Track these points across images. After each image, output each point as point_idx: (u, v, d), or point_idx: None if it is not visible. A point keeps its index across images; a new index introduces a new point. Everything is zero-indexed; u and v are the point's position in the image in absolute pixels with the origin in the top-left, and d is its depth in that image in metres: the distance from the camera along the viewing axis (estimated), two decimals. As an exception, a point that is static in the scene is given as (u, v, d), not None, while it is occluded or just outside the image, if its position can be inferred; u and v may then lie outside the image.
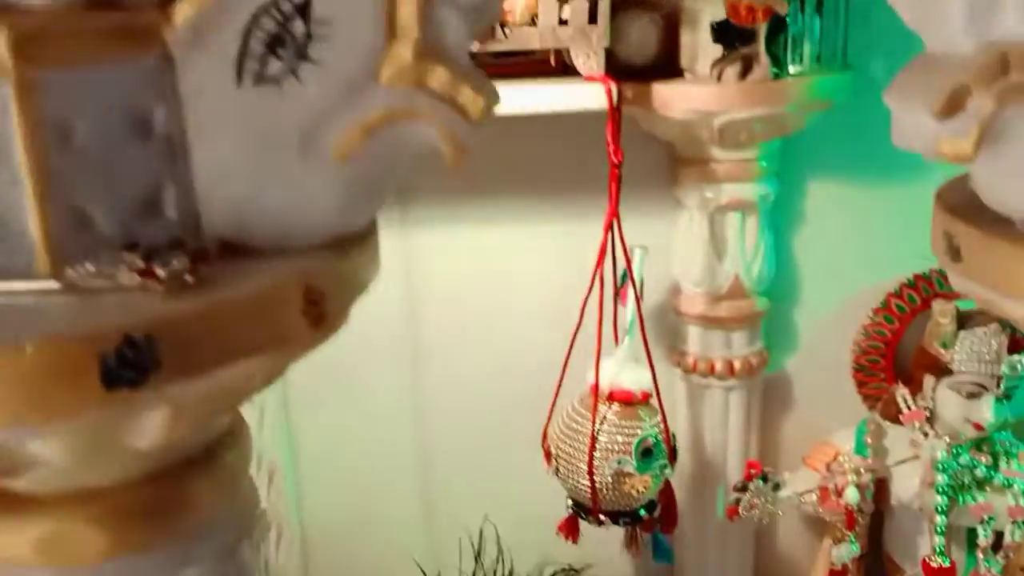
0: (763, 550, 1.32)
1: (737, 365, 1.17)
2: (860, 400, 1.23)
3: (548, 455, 1.04)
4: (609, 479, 0.99)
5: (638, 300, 1.03)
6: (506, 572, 1.20)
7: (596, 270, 0.98)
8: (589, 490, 1.00)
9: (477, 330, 1.21)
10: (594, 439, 0.99)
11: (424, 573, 1.20)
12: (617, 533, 1.09)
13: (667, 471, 1.02)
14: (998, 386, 1.09)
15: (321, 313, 0.37)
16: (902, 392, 1.18)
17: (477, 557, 1.19)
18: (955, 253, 0.45)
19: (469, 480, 1.27)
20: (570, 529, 1.09)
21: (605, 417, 1.00)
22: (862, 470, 1.14)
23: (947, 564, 1.12)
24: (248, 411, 1.04)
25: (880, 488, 1.19)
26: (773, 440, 1.28)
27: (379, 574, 1.30)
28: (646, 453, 0.99)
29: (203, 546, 0.44)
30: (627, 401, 1.01)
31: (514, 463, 1.20)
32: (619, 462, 0.98)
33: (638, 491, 0.99)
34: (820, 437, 1.22)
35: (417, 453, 1.26)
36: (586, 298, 0.99)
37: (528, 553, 1.19)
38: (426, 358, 1.21)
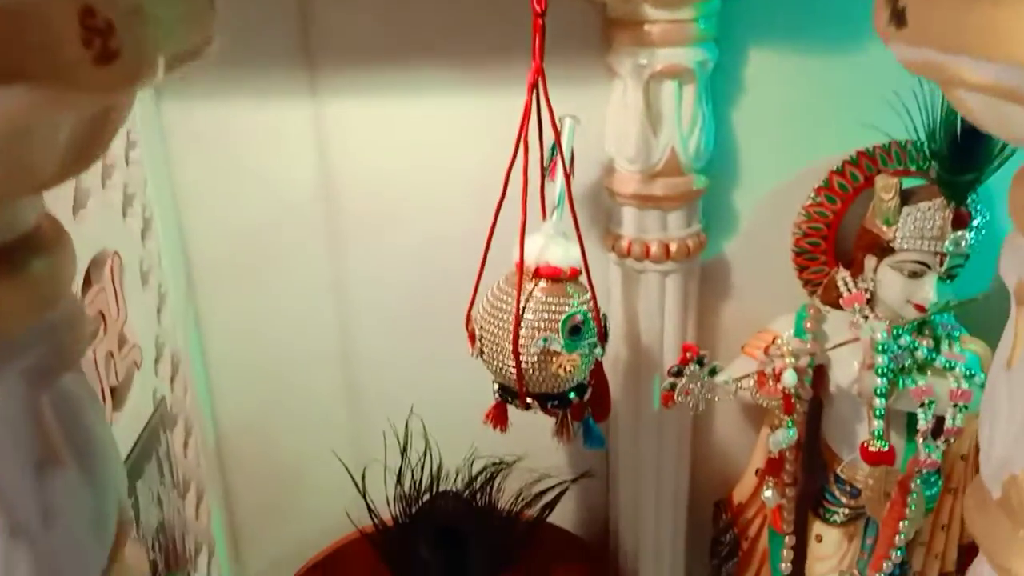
0: (700, 441, 1.29)
1: (673, 248, 1.11)
2: (800, 285, 1.18)
3: (472, 337, 0.98)
4: (535, 358, 0.93)
5: (567, 173, 0.96)
6: (434, 467, 1.15)
7: (520, 133, 0.90)
8: (515, 371, 0.94)
9: (398, 208, 1.13)
10: (519, 317, 0.92)
11: (347, 469, 1.14)
12: (548, 424, 1.04)
13: (597, 351, 0.97)
14: (941, 265, 1.05)
15: (108, 48, 0.29)
16: (843, 275, 1.14)
17: (403, 452, 1.14)
18: (899, 17, 0.38)
19: (393, 370, 1.21)
20: (498, 417, 1.03)
21: (531, 294, 0.94)
22: (801, 354, 1.10)
23: (886, 448, 1.10)
24: (146, 295, 0.96)
25: (819, 375, 1.16)
26: (711, 328, 1.23)
27: (300, 471, 1.24)
28: (574, 331, 0.93)
29: (3, 366, 0.36)
30: (554, 277, 0.94)
31: (440, 351, 1.14)
32: (545, 340, 0.92)
33: (566, 371, 0.93)
34: (760, 325, 1.18)
35: (337, 342, 1.19)
36: (510, 166, 0.91)
37: (456, 447, 1.14)
38: (343, 239, 1.13)
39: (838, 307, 1.15)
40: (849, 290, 1.13)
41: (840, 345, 1.11)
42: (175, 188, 1.08)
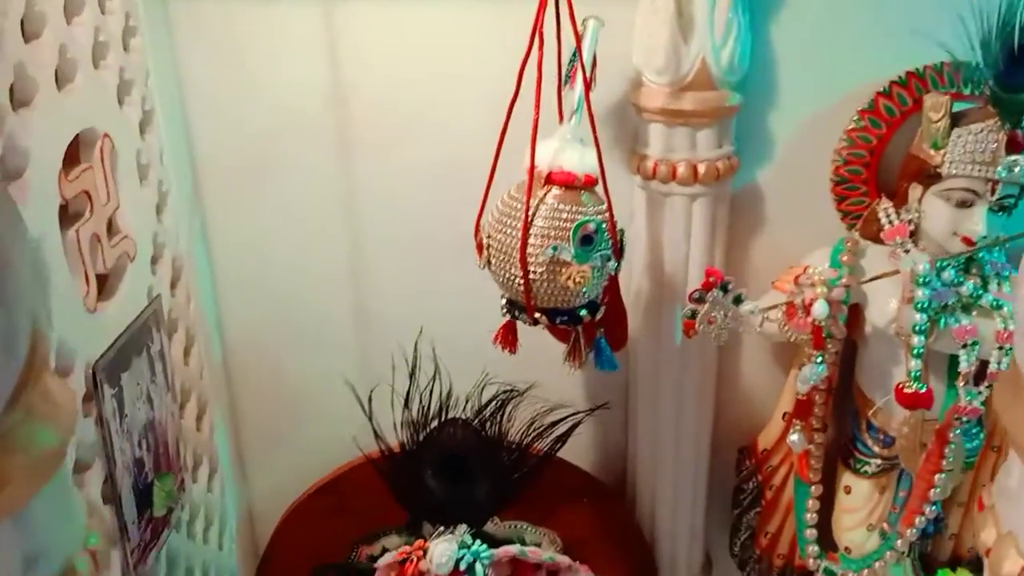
0: (725, 383, 1.22)
1: (702, 169, 1.05)
2: (839, 218, 1.11)
3: (480, 247, 0.93)
4: (544, 268, 0.87)
5: (586, 79, 0.90)
6: (443, 393, 1.10)
7: (536, 23, 0.85)
8: (522, 282, 0.89)
9: (412, 117, 1.08)
10: (528, 223, 0.87)
11: (355, 392, 1.10)
12: (561, 352, 0.99)
13: (611, 265, 0.91)
14: (992, 193, 0.97)
15: None
16: (885, 206, 1.06)
17: (412, 375, 1.09)
18: None
19: (403, 291, 1.17)
20: (506, 337, 0.99)
21: (543, 200, 0.88)
22: (834, 285, 1.03)
23: (922, 390, 1.02)
24: (145, 190, 0.92)
25: (854, 316, 1.09)
26: (740, 263, 1.16)
27: (307, 392, 1.21)
28: (585, 240, 0.87)
29: None
30: (568, 184, 0.88)
31: (453, 272, 1.09)
32: (555, 249, 0.87)
33: (575, 283, 0.87)
34: (793, 260, 1.11)
35: (346, 258, 1.15)
36: (524, 60, 0.86)
37: (467, 373, 1.09)
38: (354, 150, 1.09)
39: (879, 241, 1.07)
40: (891, 222, 1.05)
41: (878, 277, 1.03)
42: (181, 86, 1.04)
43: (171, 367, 0.94)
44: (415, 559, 0.99)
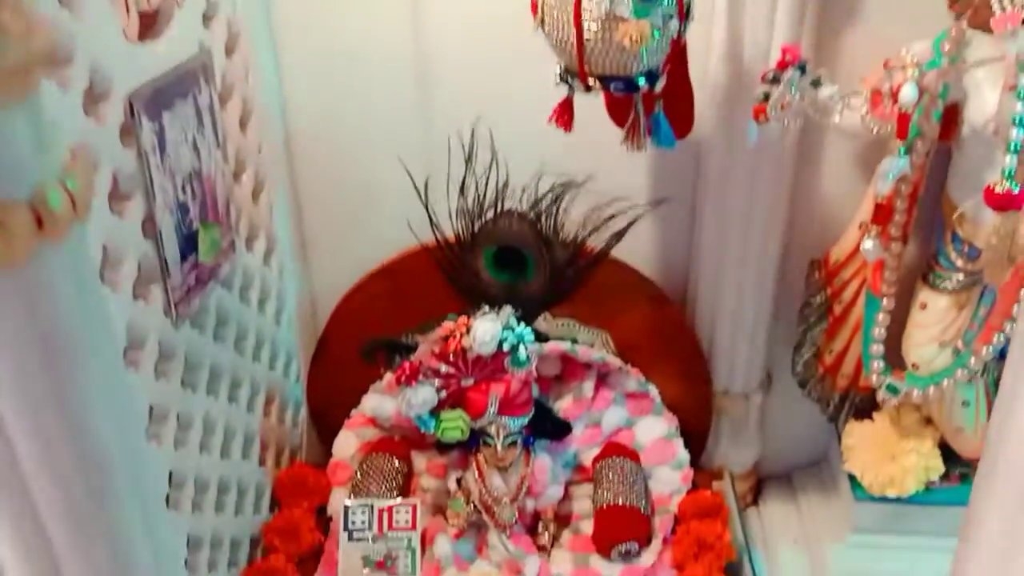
0: (800, 190, 1.15)
1: (790, -59, 0.95)
2: (946, 6, 1.00)
3: (535, 6, 0.87)
4: (598, 25, 0.82)
5: None
6: (500, 182, 1.07)
7: None
8: (575, 42, 0.83)
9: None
10: (584, -26, 0.81)
11: (411, 178, 1.08)
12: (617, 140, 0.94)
13: (673, 25, 0.84)
14: (1125, -37, 0.85)
15: None
16: (1000, -9, 0.95)
17: (468, 160, 1.06)
18: None
19: (465, 79, 1.13)
20: (562, 114, 0.94)
21: (601, -49, 0.82)
22: (927, 72, 0.93)
23: (1015, 190, 0.92)
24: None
25: (950, 119, 1.00)
26: (831, 57, 1.06)
27: (368, 179, 1.20)
28: (646, -7, 0.81)
29: None
30: (631, -63, 0.81)
31: (515, 61, 1.03)
32: (611, 1, 0.80)
33: (632, 40, 0.81)
34: (891, 55, 1.00)
35: (409, 45, 1.11)
36: None
37: (523, 164, 1.05)
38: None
39: (989, 31, 0.96)
40: (1003, 9, 0.94)
41: (979, 64, 0.93)
42: None
43: (223, 127, 0.94)
44: (459, 335, 0.98)
